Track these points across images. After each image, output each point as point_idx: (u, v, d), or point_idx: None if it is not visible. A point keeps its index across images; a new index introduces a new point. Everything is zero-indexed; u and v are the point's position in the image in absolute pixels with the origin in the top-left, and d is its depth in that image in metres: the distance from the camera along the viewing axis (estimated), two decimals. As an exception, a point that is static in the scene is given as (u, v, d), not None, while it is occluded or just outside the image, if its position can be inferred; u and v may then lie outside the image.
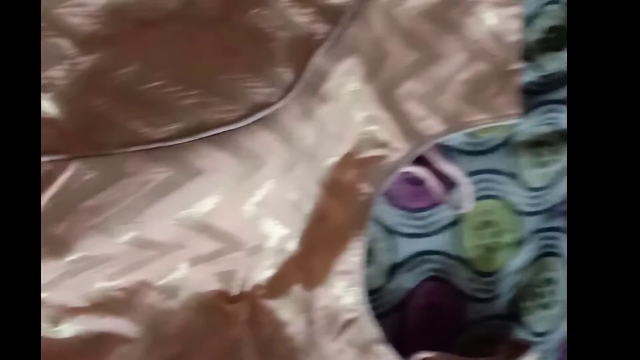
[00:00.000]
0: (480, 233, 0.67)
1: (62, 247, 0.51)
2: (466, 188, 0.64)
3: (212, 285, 0.58)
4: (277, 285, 0.60)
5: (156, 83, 0.53)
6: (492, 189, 0.68)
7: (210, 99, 0.53)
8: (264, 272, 0.60)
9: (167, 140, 0.52)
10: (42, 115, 0.52)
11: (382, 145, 0.61)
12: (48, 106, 0.53)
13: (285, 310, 0.60)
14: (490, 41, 0.63)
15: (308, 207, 0.60)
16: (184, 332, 0.57)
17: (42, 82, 0.53)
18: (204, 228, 0.53)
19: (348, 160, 0.61)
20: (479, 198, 0.67)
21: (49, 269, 0.52)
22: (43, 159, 0.51)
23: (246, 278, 0.59)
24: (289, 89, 0.54)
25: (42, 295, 0.53)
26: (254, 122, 0.53)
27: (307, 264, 0.61)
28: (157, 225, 0.52)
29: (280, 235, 0.58)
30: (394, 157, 0.62)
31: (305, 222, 0.60)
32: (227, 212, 0.54)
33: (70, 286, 0.54)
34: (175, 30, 0.55)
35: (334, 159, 0.60)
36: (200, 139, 0.52)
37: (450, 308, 0.67)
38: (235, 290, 0.59)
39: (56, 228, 0.51)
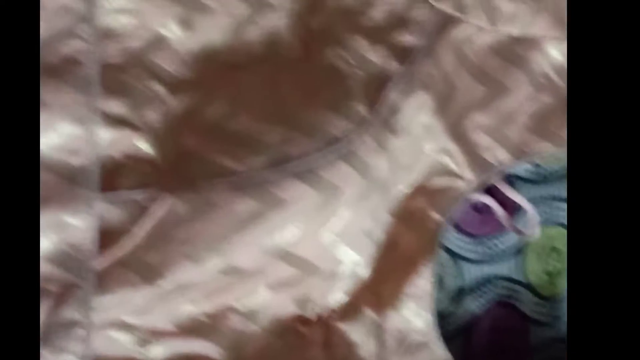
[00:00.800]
0: (545, 259, 0.69)
1: (156, 275, 0.55)
2: (531, 215, 0.66)
3: (290, 309, 0.61)
4: (349, 309, 0.63)
5: (242, 121, 0.56)
6: (556, 215, 0.70)
7: (292, 134, 0.56)
8: (337, 297, 0.62)
9: (252, 173, 0.55)
10: (139, 154, 0.56)
11: (451, 174, 0.64)
12: (144, 145, 0.56)
13: (357, 333, 0.63)
14: (556, 75, 0.65)
15: (380, 234, 0.62)
16: (264, 354, 0.60)
17: (138, 123, 0.56)
18: (284, 255, 0.57)
19: (418, 190, 0.64)
20: (543, 225, 0.68)
21: (142, 295, 0.55)
22: (138, 194, 0.55)
23: (321, 302, 0.62)
24: (364, 124, 0.57)
25: (134, 319, 0.56)
26: (332, 155, 0.56)
27: (378, 289, 0.64)
28: (242, 253, 0.55)
29: (353, 262, 0.61)
30: (462, 186, 0.64)
31: (377, 249, 0.63)
32: (306, 240, 0.57)
33: (160, 311, 0.57)
34: (260, 72, 0.58)
35: (404, 189, 0.63)
36: (282, 171, 0.55)
37: (515, 332, 0.69)
38: (311, 314, 0.61)
39: (150, 257, 0.55)
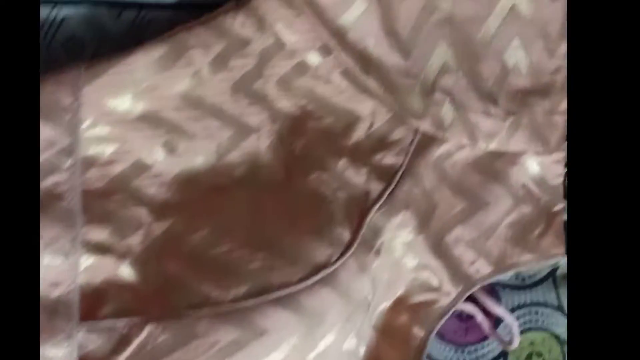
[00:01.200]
0: (526, 365, 0.70)
1: None
2: (513, 326, 0.67)
3: None
4: None
5: (225, 247, 0.56)
6: (537, 320, 0.70)
7: (275, 262, 0.56)
8: None
9: (235, 302, 0.55)
10: (120, 281, 0.56)
11: (433, 289, 0.64)
12: (126, 272, 0.56)
13: None
14: (535, 186, 0.66)
15: (363, 352, 0.63)
16: None
17: (121, 250, 0.56)
18: None
19: (400, 305, 0.64)
20: (526, 330, 0.69)
21: None
22: (120, 321, 0.54)
23: None
24: (347, 248, 0.58)
25: None
26: (315, 282, 0.56)
27: None
28: None
29: None
30: (444, 300, 0.65)
31: None
32: None
33: None
34: (242, 196, 0.58)
35: (386, 304, 0.63)
36: (265, 300, 0.55)
37: None
38: None
39: None
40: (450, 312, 0.65)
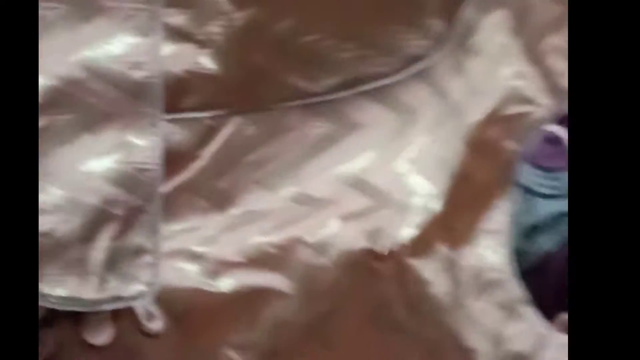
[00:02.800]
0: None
1: (226, 202, 0.52)
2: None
3: (361, 243, 0.58)
4: (421, 245, 0.60)
5: (313, 37, 0.53)
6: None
7: (367, 52, 0.52)
8: (408, 231, 0.59)
9: (326, 94, 0.51)
10: (202, 71, 0.52)
11: (528, 101, 0.60)
12: (208, 62, 0.53)
13: (429, 270, 0.60)
14: None
15: (454, 165, 0.59)
16: (334, 289, 0.57)
17: (201, 37, 0.53)
18: (357, 184, 0.53)
19: (493, 118, 0.60)
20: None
21: (211, 224, 0.52)
22: (204, 114, 0.51)
23: (393, 236, 0.59)
24: (441, 41, 0.54)
25: (203, 249, 0.53)
26: (410, 76, 0.52)
27: (452, 224, 0.60)
28: (316, 181, 0.52)
29: (428, 193, 0.57)
30: (538, 113, 0.61)
31: (450, 181, 0.59)
32: (380, 168, 0.54)
33: (229, 241, 0.54)
34: None
35: (479, 117, 0.60)
36: (358, 92, 0.52)
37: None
38: (382, 249, 0.58)
39: (219, 182, 0.52)
40: (544, 126, 0.61)
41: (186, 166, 0.52)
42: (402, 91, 0.53)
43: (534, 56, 0.60)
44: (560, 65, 0.61)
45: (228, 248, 0.55)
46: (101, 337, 0.52)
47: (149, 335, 0.54)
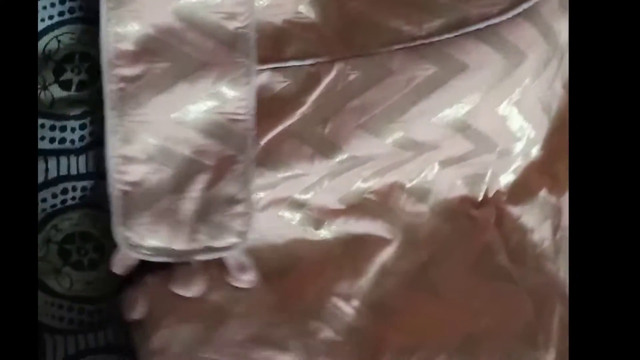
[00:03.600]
0: None
1: (331, 148, 0.51)
2: None
3: (459, 190, 0.57)
4: (521, 192, 0.59)
5: None
6: None
7: None
8: (509, 178, 0.58)
9: (431, 37, 0.51)
10: (302, 20, 0.52)
11: None
12: (306, 10, 0.52)
13: (529, 216, 0.59)
14: None
15: (555, 108, 0.58)
16: (434, 237, 0.56)
17: None
18: (462, 127, 0.53)
19: None
20: None
21: (316, 171, 0.52)
22: (306, 62, 0.51)
23: (492, 182, 0.58)
24: None
25: (306, 197, 0.54)
26: (517, 15, 0.51)
27: (552, 169, 0.59)
28: (421, 124, 0.51)
29: (529, 138, 0.56)
30: None
31: (551, 126, 0.58)
32: (485, 112, 0.53)
33: (332, 188, 0.54)
34: None
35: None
36: (464, 34, 0.50)
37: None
38: (479, 196, 0.57)
39: (324, 128, 0.51)
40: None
41: (290, 113, 0.51)
42: (509, 31, 0.51)
43: None
44: None
45: (330, 196, 0.54)
46: (192, 289, 0.52)
47: (239, 288, 0.53)
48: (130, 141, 0.50)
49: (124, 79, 0.49)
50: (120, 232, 0.50)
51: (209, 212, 0.51)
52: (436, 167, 0.55)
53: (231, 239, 0.51)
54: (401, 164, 0.54)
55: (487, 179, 0.57)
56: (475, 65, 0.51)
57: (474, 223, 0.58)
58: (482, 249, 0.57)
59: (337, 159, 0.52)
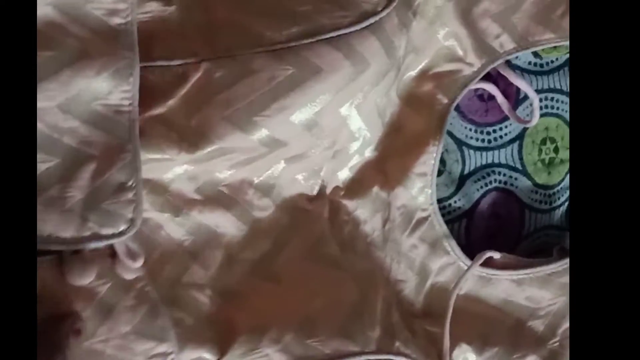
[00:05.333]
0: (540, 148, 0.72)
1: (199, 137, 0.55)
2: (534, 100, 0.69)
3: (298, 185, 0.63)
4: (355, 187, 0.66)
5: None
6: (553, 107, 0.73)
7: (324, 6, 0.57)
8: (344, 174, 0.65)
9: (289, 42, 0.55)
10: (167, 22, 0.55)
11: (458, 59, 0.66)
12: (175, 15, 0.56)
13: (363, 210, 0.66)
14: None
15: (388, 115, 0.64)
16: (275, 229, 0.62)
17: None
18: (310, 126, 0.58)
19: (425, 74, 0.66)
20: (541, 115, 0.71)
21: (182, 158, 0.55)
22: (174, 62, 0.55)
23: (329, 178, 0.64)
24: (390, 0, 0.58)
25: (169, 181, 0.57)
26: (364, 28, 0.57)
27: (384, 168, 0.66)
28: (282, 122, 0.56)
29: (365, 138, 0.63)
30: (468, 71, 0.67)
31: (385, 130, 0.65)
32: (330, 111, 0.58)
33: (191, 176, 0.58)
34: None
35: (412, 73, 0.65)
36: (318, 40, 0.56)
37: (513, 217, 0.72)
38: (314, 190, 0.64)
39: (189, 119, 0.55)
40: (474, 82, 0.67)
41: (160, 104, 0.55)
42: (358, 41, 0.57)
43: (467, 19, 0.65)
44: (492, 28, 0.66)
45: (190, 185, 0.58)
46: (85, 278, 0.53)
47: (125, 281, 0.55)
48: None
49: None
50: None
51: (98, 200, 0.53)
52: (282, 163, 0.61)
53: (121, 226, 0.53)
54: (254, 159, 0.58)
55: (322, 174, 0.63)
56: (328, 68, 0.56)
57: (308, 215, 0.63)
58: (314, 239, 0.63)
59: (207, 150, 0.55)
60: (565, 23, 0.67)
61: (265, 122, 0.55)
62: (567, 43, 0.68)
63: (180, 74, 0.55)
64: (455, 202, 0.70)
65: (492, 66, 0.67)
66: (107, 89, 0.52)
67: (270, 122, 0.56)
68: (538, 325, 0.69)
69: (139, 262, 0.54)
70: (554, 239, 0.74)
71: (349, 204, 0.65)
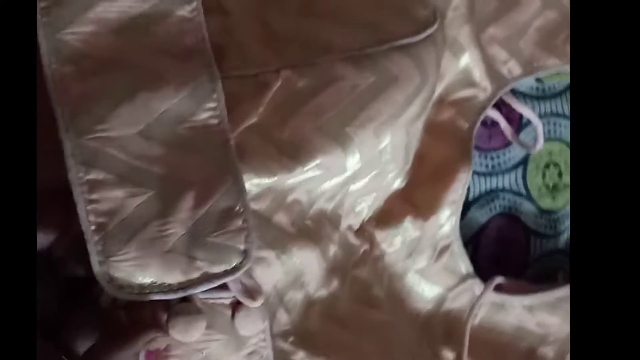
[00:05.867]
0: (544, 172, 0.72)
1: (297, 152, 0.51)
2: (538, 127, 0.69)
3: (351, 217, 0.61)
4: (385, 219, 0.63)
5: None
6: (556, 131, 0.73)
7: (387, 17, 0.56)
8: (376, 204, 0.63)
9: (363, 49, 0.53)
10: (228, 35, 0.53)
11: (473, 85, 0.66)
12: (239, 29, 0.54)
13: (391, 238, 0.64)
14: None
15: (414, 145, 0.63)
16: (340, 264, 0.60)
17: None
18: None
19: (442, 102, 0.66)
20: (545, 140, 0.71)
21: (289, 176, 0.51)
22: (251, 71, 0.52)
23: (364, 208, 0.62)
24: (435, 14, 0.59)
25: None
26: (425, 39, 0.56)
27: (411, 198, 0.64)
28: (364, 133, 0.54)
29: (394, 169, 0.61)
30: (482, 96, 0.66)
31: (409, 160, 0.64)
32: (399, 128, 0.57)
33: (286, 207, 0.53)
34: None
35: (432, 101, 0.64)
36: (391, 48, 0.54)
37: (519, 243, 0.72)
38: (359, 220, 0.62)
39: (282, 132, 0.51)
40: (489, 107, 0.67)
41: (251, 112, 0.51)
42: (423, 49, 0.56)
43: (479, 44, 0.65)
44: (500, 53, 0.66)
45: (286, 216, 0.54)
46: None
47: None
48: (94, 163, 0.44)
49: (72, 98, 0.45)
50: (102, 273, 0.44)
51: (204, 233, 0.46)
52: (350, 189, 0.58)
53: (234, 261, 0.46)
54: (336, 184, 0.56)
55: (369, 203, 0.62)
56: (403, 76, 0.54)
57: (355, 251, 0.62)
58: (362, 282, 0.62)
59: (307, 166, 0.51)
60: (567, 49, 0.67)
61: (357, 134, 0.53)
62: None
63: (261, 83, 0.51)
64: (461, 228, 0.69)
65: (503, 91, 0.67)
66: (190, 109, 0.47)
67: (361, 134, 0.53)
68: (548, 351, 0.68)
69: (260, 300, 0.48)
70: (560, 264, 0.74)
71: (379, 235, 0.63)
